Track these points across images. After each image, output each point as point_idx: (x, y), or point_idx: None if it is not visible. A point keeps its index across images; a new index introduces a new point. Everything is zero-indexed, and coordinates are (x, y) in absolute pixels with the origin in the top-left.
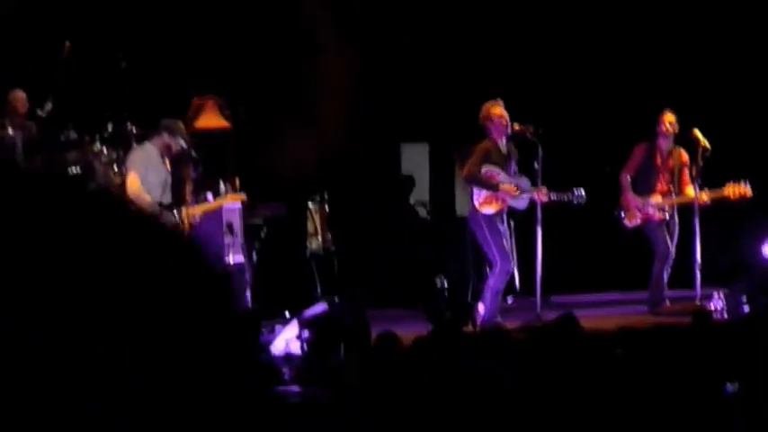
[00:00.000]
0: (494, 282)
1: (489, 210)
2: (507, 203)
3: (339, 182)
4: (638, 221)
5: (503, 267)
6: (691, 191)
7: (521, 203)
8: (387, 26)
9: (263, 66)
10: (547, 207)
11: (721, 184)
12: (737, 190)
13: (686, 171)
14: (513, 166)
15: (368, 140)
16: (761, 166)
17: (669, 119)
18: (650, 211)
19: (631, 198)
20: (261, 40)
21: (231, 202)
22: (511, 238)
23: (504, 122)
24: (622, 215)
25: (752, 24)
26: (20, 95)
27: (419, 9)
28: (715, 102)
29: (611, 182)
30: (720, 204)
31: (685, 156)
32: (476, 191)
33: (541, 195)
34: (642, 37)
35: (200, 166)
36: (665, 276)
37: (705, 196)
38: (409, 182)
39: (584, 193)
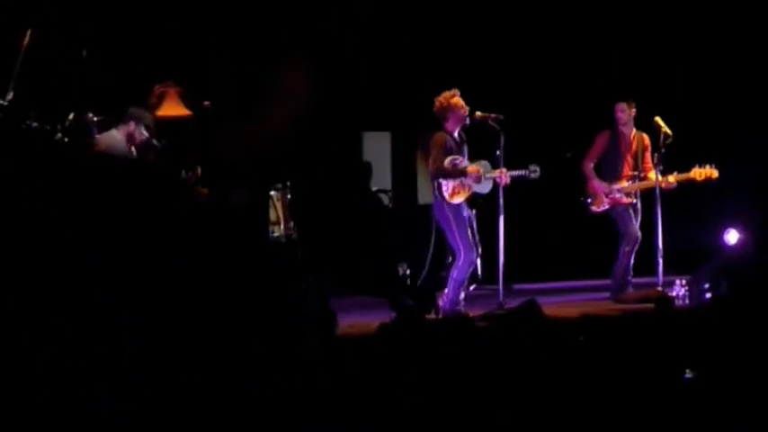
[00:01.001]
0: (458, 273)
1: (458, 199)
2: (473, 190)
3: (301, 170)
4: (606, 206)
5: (467, 258)
6: (653, 175)
7: (484, 188)
8: (348, 18)
9: (223, 54)
10: (509, 195)
11: (686, 170)
12: (704, 172)
13: (648, 155)
14: (466, 152)
15: (330, 129)
16: (722, 154)
17: (622, 107)
18: (617, 195)
19: (597, 184)
20: (220, 27)
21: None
22: (473, 226)
23: (464, 113)
24: (589, 201)
25: (710, 11)
26: None
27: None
28: (676, 89)
29: (572, 168)
30: (682, 191)
31: (647, 139)
32: (444, 183)
33: (503, 177)
34: (603, 24)
35: (161, 155)
36: (631, 261)
37: (672, 179)
38: (371, 170)
39: (538, 169)
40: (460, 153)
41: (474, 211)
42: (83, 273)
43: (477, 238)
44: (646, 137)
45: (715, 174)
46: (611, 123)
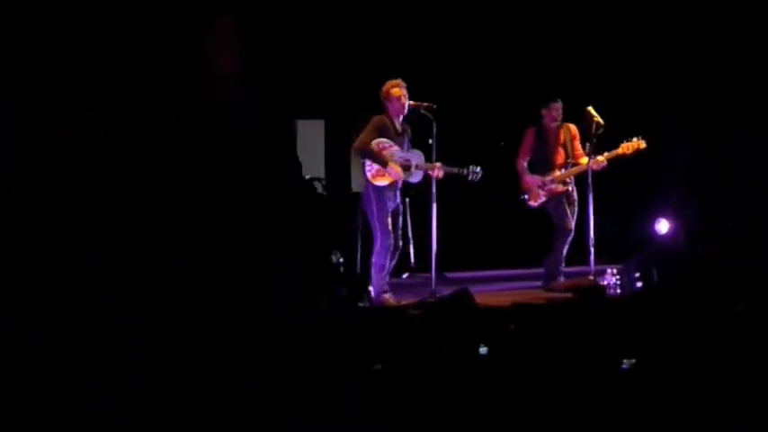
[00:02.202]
0: (375, 258)
1: (382, 182)
2: (400, 177)
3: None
4: (543, 199)
5: (383, 243)
6: (585, 160)
7: (414, 178)
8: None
9: (149, 36)
10: (442, 183)
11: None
12: (632, 145)
13: (577, 143)
14: (407, 144)
15: (262, 117)
16: (654, 143)
17: (556, 109)
18: (551, 186)
19: (530, 179)
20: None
21: None
22: (405, 214)
23: (402, 103)
24: (526, 197)
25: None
26: None
27: None
28: (606, 79)
29: (506, 157)
30: (614, 181)
31: (574, 129)
32: (367, 163)
33: (437, 171)
34: (533, 15)
35: None
36: (564, 252)
37: (601, 158)
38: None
39: (479, 170)
40: (398, 142)
41: (407, 200)
42: (83, 273)
43: (401, 229)
44: (573, 126)
45: (643, 144)
46: (536, 119)
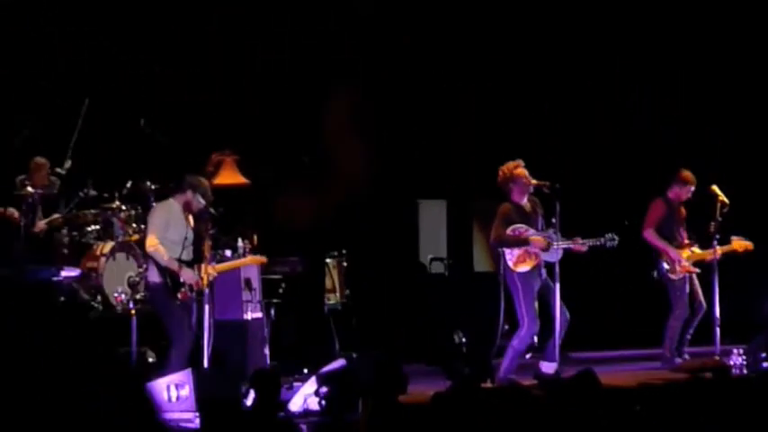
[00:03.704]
0: (518, 342)
1: (525, 267)
2: (541, 258)
3: (357, 238)
4: (681, 275)
5: (529, 329)
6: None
7: (553, 256)
8: (403, 84)
9: (279, 121)
10: (565, 264)
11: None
12: (742, 244)
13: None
14: (540, 222)
15: (386, 197)
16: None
17: (689, 189)
18: (686, 264)
19: (673, 251)
20: (275, 94)
21: (251, 263)
22: (555, 286)
23: (527, 182)
24: (665, 268)
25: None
26: (40, 162)
27: (438, 68)
28: (724, 157)
29: (630, 236)
30: (736, 261)
31: (683, 209)
32: (507, 252)
33: (579, 246)
34: (650, 92)
35: (216, 223)
36: (682, 331)
37: (720, 250)
38: (426, 238)
39: (616, 237)
40: (530, 222)
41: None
42: None
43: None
44: (682, 207)
45: (750, 246)
46: (661, 190)
